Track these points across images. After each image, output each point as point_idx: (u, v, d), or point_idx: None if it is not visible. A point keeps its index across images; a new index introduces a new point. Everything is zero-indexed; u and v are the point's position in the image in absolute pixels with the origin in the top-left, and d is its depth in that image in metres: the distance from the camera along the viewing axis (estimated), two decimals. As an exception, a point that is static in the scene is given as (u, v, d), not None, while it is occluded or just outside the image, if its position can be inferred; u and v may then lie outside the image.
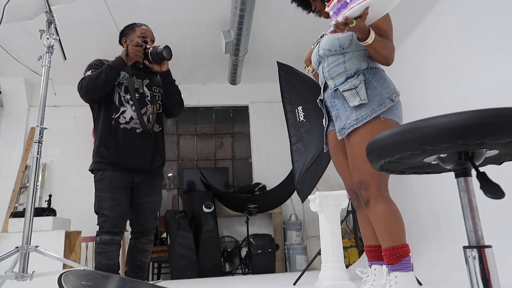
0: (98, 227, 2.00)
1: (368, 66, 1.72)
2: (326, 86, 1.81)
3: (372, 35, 1.58)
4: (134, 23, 2.32)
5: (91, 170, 2.13)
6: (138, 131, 2.10)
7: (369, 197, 1.60)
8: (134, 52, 2.08)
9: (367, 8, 1.46)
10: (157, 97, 2.23)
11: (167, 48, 2.14)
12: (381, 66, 1.78)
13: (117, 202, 2.01)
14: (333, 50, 1.74)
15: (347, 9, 1.47)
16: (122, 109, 2.12)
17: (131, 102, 2.12)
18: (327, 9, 1.57)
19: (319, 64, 1.85)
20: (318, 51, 1.82)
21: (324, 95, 1.83)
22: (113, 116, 2.11)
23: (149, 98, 2.18)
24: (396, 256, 1.50)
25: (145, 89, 2.19)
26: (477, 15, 2.72)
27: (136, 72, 2.22)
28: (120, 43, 2.33)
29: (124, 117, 2.11)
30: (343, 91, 1.68)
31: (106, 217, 1.99)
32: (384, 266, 1.57)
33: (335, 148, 1.84)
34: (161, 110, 2.23)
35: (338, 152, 1.83)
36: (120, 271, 2.05)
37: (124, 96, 2.13)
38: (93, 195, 5.29)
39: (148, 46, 2.16)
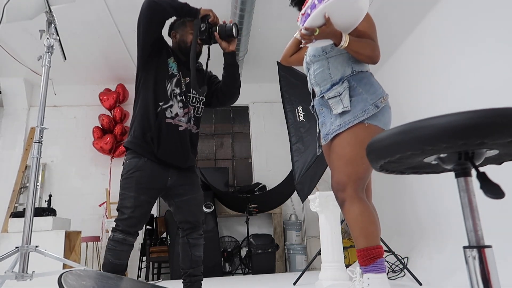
0: (114, 223, 1.98)
1: (353, 71, 1.73)
2: (314, 93, 1.85)
3: (345, 38, 1.61)
4: (185, 19, 2.25)
5: (126, 148, 2.06)
6: (180, 128, 2.06)
7: (345, 198, 1.61)
8: (209, 12, 2.13)
9: (325, 14, 1.52)
10: (196, 99, 2.18)
11: (235, 25, 2.10)
12: (370, 70, 1.79)
13: (140, 203, 1.96)
14: (317, 56, 1.78)
15: (307, 19, 1.54)
16: (170, 102, 2.05)
17: (178, 98, 2.08)
18: (298, 24, 1.62)
19: (308, 71, 1.90)
20: (306, 58, 1.88)
21: (313, 102, 1.87)
22: (161, 104, 2.04)
23: (190, 98, 2.15)
24: (369, 257, 1.51)
25: (186, 88, 2.15)
26: (474, 17, 2.73)
27: (182, 69, 2.17)
28: (169, 35, 2.27)
29: (171, 112, 2.04)
30: (328, 99, 1.72)
31: (125, 216, 1.94)
32: (358, 267, 1.57)
33: (325, 151, 1.89)
34: (199, 112, 2.19)
35: (328, 154, 1.86)
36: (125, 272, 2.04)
37: (173, 90, 2.07)
38: (93, 195, 5.31)
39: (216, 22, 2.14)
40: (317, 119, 1.89)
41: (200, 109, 2.21)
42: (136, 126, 2.05)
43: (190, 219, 2.13)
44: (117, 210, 2.01)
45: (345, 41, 1.61)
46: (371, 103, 1.65)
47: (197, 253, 2.14)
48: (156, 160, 2.03)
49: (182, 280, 2.14)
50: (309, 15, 1.54)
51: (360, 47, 1.65)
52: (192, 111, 2.15)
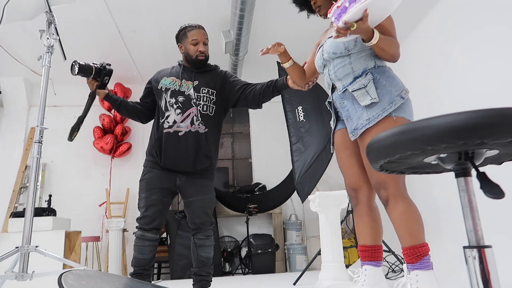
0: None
1: (375, 65, 1.70)
2: (333, 88, 1.79)
3: (377, 35, 1.57)
4: (186, 27, 2.30)
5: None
6: (180, 134, 2.15)
7: (388, 197, 1.59)
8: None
9: (366, 10, 1.46)
10: (204, 98, 2.22)
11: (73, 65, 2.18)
12: (388, 64, 1.77)
13: (151, 203, 2.13)
14: (338, 53, 1.72)
15: (347, 14, 1.48)
16: (166, 113, 2.19)
17: (175, 106, 2.18)
18: (328, 16, 1.57)
19: (324, 67, 1.83)
20: (323, 54, 1.81)
21: (332, 97, 1.81)
22: (160, 120, 2.21)
23: (194, 100, 2.20)
24: (416, 255, 1.50)
25: (192, 91, 2.21)
26: (474, 18, 2.73)
27: (187, 75, 2.27)
28: (178, 46, 2.37)
29: (168, 122, 2.17)
30: (352, 91, 1.67)
31: (140, 215, 2.14)
32: (405, 265, 1.57)
33: (340, 146, 1.82)
34: (208, 111, 2.22)
35: (343, 150, 1.81)
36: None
37: (169, 101, 2.20)
38: (93, 195, 5.33)
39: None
40: (333, 114, 1.83)
41: (207, 106, 2.23)
42: (148, 148, 2.29)
43: (194, 220, 2.22)
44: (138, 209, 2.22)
45: (375, 38, 1.57)
46: (396, 94, 1.62)
47: (203, 253, 2.22)
48: (164, 169, 2.18)
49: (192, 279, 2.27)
50: (346, 8, 1.48)
51: (386, 45, 1.62)
52: (196, 111, 2.17)
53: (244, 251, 4.77)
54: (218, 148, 2.37)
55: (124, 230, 4.53)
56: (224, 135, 5.63)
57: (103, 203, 4.84)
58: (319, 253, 2.91)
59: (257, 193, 4.90)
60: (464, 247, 0.81)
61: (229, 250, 4.76)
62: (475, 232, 0.81)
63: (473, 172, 0.82)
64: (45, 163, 4.95)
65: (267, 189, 5.01)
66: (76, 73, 2.15)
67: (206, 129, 2.19)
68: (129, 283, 1.71)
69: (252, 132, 5.54)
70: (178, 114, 2.17)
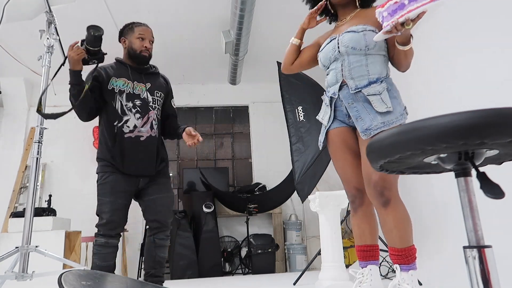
0: (96, 229, 2.07)
1: (387, 74, 1.73)
2: (342, 85, 1.74)
3: (412, 40, 1.58)
4: (133, 22, 2.32)
5: (97, 173, 2.19)
6: (142, 139, 2.13)
7: (390, 197, 1.62)
8: (74, 55, 2.04)
9: (424, 12, 1.42)
10: (157, 101, 2.23)
11: (91, 28, 2.04)
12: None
13: (117, 207, 2.05)
14: (357, 49, 1.68)
15: (405, 11, 1.43)
16: (125, 118, 2.13)
17: (133, 110, 2.14)
18: (380, 10, 1.51)
19: (333, 62, 1.77)
20: (338, 47, 1.73)
21: (339, 94, 1.74)
22: (115, 124, 2.12)
23: (151, 104, 2.19)
24: (412, 255, 1.58)
25: (147, 94, 2.19)
26: (474, 17, 2.73)
27: (137, 77, 2.22)
28: (120, 41, 2.33)
29: (128, 126, 2.12)
30: (368, 95, 1.65)
31: (104, 221, 2.03)
32: (397, 265, 1.60)
33: (341, 145, 1.79)
34: (159, 115, 2.24)
35: (346, 149, 1.78)
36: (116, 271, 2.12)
37: (126, 105, 2.14)
38: (93, 195, 5.31)
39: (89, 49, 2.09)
40: (330, 111, 1.78)
41: (158, 110, 2.25)
42: (100, 148, 2.18)
43: (158, 218, 2.17)
44: (97, 215, 2.09)
45: (411, 43, 1.58)
46: (403, 109, 1.68)
47: (162, 254, 2.17)
48: (125, 173, 2.11)
49: (143, 280, 2.17)
50: (404, 5, 1.42)
51: (411, 53, 1.65)
52: (154, 115, 2.19)
53: (244, 251, 4.77)
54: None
55: (124, 230, 4.54)
56: (224, 135, 5.63)
57: (103, 203, 4.83)
58: (319, 253, 2.91)
59: (257, 193, 4.90)
60: (464, 247, 0.81)
61: (229, 250, 4.76)
62: (475, 232, 0.81)
63: (473, 172, 0.82)
64: (45, 163, 4.94)
65: (267, 189, 5.01)
66: (99, 34, 2.04)
67: (156, 133, 2.21)
68: (129, 283, 1.71)
69: (252, 132, 5.54)
70: (138, 119, 2.15)
